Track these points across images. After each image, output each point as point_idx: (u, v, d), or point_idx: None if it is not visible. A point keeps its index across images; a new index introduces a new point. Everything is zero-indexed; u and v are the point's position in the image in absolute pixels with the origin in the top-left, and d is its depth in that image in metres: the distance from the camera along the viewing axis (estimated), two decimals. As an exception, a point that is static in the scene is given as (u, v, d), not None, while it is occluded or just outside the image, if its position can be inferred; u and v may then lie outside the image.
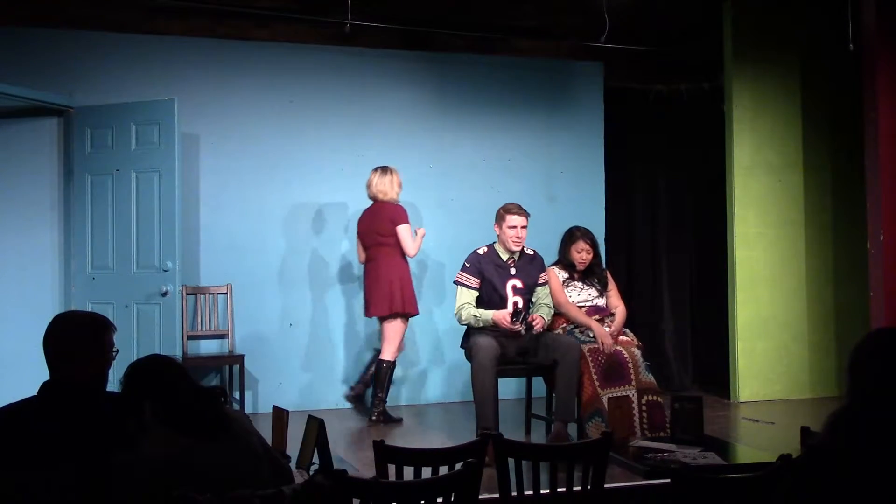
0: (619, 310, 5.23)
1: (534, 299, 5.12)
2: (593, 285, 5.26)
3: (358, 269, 6.38)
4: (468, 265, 5.05)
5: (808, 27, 6.57)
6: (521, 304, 5.00)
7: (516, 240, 5.02)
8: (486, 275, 5.00)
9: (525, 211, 5.07)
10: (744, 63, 6.52)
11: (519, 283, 5.04)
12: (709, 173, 7.01)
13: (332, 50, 6.40)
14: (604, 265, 5.45)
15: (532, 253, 5.20)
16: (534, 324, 4.87)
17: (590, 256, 5.22)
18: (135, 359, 2.51)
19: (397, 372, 5.88)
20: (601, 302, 5.24)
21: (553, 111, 6.89)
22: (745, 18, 6.53)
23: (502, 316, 4.86)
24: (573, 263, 5.22)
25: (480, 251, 5.11)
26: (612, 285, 5.35)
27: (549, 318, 5.07)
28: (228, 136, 6.20)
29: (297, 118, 6.35)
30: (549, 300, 5.13)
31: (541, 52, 6.92)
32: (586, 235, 5.26)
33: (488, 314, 4.91)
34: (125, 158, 5.69)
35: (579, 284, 5.25)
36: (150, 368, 2.44)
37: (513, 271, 5.07)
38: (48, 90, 5.75)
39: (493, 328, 4.91)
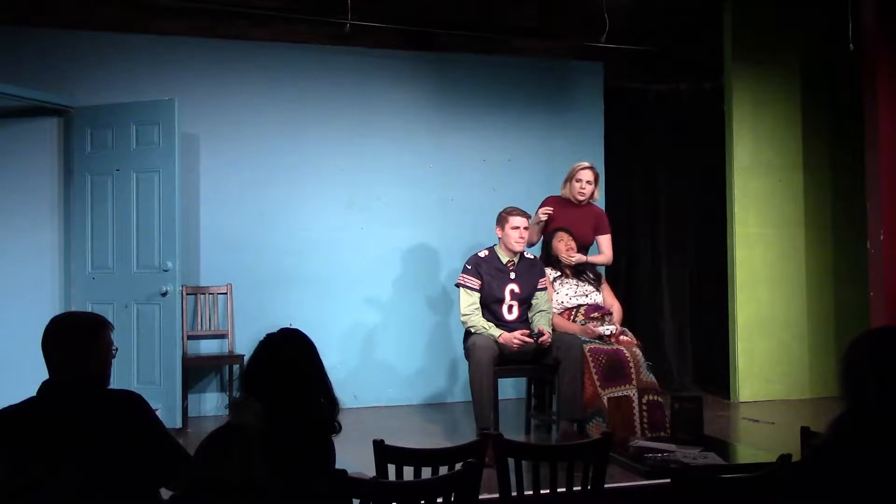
0: (616, 307, 5.31)
1: (533, 302, 5.13)
2: (587, 281, 5.31)
3: (356, 269, 6.38)
4: (469, 267, 5.09)
5: (808, 27, 6.56)
6: (517, 309, 5.05)
7: (519, 240, 5.09)
8: (486, 277, 5.04)
9: (526, 213, 5.17)
10: (744, 63, 6.51)
11: (517, 289, 5.07)
12: (709, 173, 7.00)
13: (332, 50, 6.40)
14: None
15: (532, 258, 5.28)
16: (542, 338, 4.91)
17: (573, 244, 5.31)
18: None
19: (398, 372, 5.85)
20: (599, 298, 5.29)
21: (553, 111, 6.89)
22: (745, 18, 6.53)
23: (509, 338, 4.89)
24: (557, 257, 5.30)
25: (481, 254, 5.16)
26: (604, 281, 5.42)
27: (550, 323, 5.08)
28: (228, 136, 6.19)
29: (297, 118, 6.35)
30: (548, 306, 5.15)
31: (541, 52, 6.92)
32: (567, 230, 5.36)
33: (496, 333, 4.92)
34: (125, 158, 5.69)
35: (572, 281, 5.29)
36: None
37: (512, 276, 5.09)
38: (48, 90, 5.74)
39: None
